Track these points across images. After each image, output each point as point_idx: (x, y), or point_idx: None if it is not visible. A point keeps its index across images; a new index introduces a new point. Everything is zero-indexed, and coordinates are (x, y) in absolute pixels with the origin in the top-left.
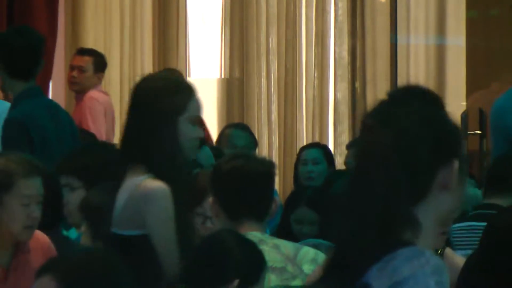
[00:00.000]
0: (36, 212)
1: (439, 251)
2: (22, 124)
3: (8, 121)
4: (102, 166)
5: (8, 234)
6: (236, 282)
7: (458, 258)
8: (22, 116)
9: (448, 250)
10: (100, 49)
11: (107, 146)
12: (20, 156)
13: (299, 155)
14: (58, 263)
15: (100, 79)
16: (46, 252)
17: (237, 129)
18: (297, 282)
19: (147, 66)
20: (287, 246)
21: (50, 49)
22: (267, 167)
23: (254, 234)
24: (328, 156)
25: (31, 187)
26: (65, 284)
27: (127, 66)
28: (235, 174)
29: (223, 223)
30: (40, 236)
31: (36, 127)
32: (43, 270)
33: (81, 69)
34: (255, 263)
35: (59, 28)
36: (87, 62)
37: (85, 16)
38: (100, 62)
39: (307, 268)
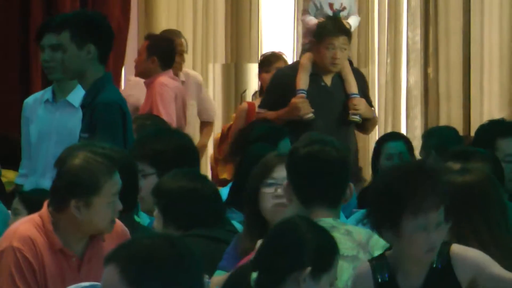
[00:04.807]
0: (119, 204)
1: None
2: (121, 108)
3: (108, 105)
4: (174, 152)
5: (91, 228)
6: (308, 269)
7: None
8: (119, 100)
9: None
10: None
11: (178, 132)
12: (98, 151)
13: (380, 147)
14: (120, 252)
15: (154, 63)
16: (120, 238)
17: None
18: None
19: (219, 51)
20: (360, 232)
21: (124, 36)
22: (342, 153)
23: (326, 220)
24: (410, 148)
25: (115, 184)
26: (127, 273)
27: (200, 51)
28: (309, 159)
29: (296, 208)
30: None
31: (128, 112)
32: (108, 259)
33: (138, 54)
34: (328, 250)
35: (132, 15)
36: (143, 46)
37: (158, 2)
38: (153, 46)
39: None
